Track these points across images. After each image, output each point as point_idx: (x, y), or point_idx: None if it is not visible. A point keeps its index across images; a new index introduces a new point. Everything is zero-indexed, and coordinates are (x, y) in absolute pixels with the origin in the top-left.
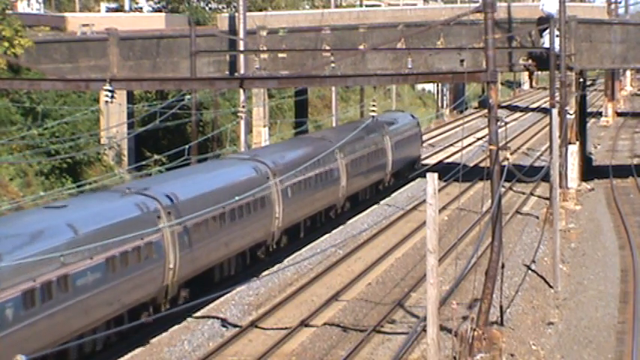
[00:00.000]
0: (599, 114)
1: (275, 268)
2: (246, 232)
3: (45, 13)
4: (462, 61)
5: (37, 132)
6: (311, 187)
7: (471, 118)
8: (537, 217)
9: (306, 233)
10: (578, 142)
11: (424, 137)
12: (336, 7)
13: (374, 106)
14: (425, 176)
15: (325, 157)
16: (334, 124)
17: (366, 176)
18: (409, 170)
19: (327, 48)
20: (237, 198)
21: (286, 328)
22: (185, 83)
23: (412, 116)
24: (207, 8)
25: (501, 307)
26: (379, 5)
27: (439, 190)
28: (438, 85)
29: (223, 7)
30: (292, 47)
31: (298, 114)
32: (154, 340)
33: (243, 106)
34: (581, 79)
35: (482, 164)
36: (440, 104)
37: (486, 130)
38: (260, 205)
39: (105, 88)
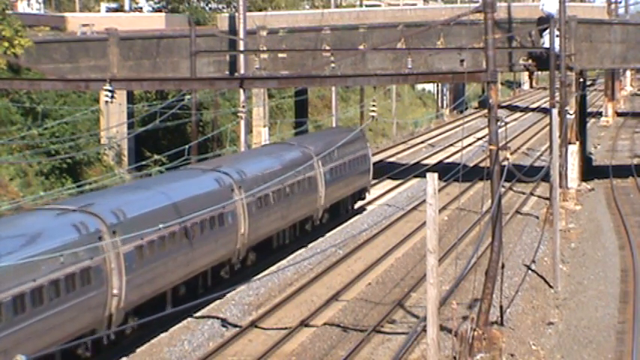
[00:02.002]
0: (599, 114)
1: (275, 268)
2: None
3: (45, 13)
4: (462, 61)
5: (37, 132)
6: (180, 244)
7: (471, 118)
8: (537, 217)
9: (175, 304)
10: (578, 142)
11: (424, 137)
12: (336, 7)
13: (374, 106)
14: (425, 176)
15: (215, 198)
16: (334, 125)
17: (282, 216)
18: (354, 202)
19: (327, 48)
20: None
21: (286, 328)
22: (185, 83)
23: (358, 134)
24: (207, 8)
25: (501, 307)
26: (379, 5)
27: (439, 190)
28: (438, 85)
29: (223, 7)
30: (292, 47)
31: (298, 114)
32: (154, 340)
33: (243, 106)
34: (581, 79)
35: (482, 164)
36: (440, 104)
37: (486, 130)
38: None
39: (105, 88)
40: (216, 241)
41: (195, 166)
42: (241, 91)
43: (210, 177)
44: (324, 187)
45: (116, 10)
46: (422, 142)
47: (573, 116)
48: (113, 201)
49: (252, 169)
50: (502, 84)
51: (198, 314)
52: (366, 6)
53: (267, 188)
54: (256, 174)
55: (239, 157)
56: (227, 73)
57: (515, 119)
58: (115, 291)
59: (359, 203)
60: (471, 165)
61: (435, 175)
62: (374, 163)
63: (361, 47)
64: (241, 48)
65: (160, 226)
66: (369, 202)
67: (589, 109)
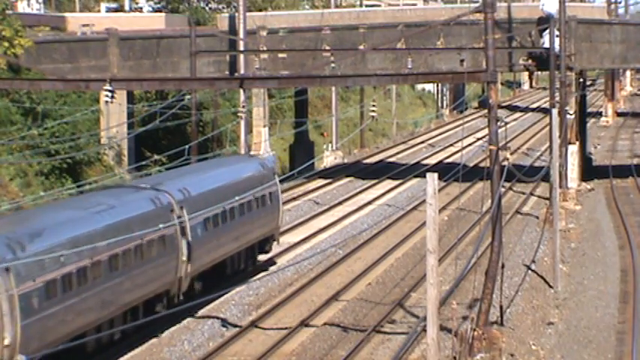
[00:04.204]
0: (599, 114)
1: (275, 268)
2: None
3: (45, 13)
4: (462, 61)
5: (37, 132)
6: None
7: (470, 118)
8: (537, 217)
9: None
10: (578, 142)
11: (424, 137)
12: (336, 7)
13: (374, 106)
14: (425, 176)
15: None
16: (334, 125)
17: (103, 302)
18: (253, 257)
19: (327, 48)
20: None
21: (286, 328)
22: (185, 83)
23: (262, 165)
24: (207, 8)
25: (501, 307)
26: (379, 5)
27: (439, 190)
28: (438, 85)
29: (223, 7)
30: (292, 47)
31: (298, 114)
32: (154, 340)
33: (243, 106)
34: (581, 79)
35: (482, 164)
36: (440, 104)
37: (486, 130)
38: None
39: (105, 88)
40: None
41: None
42: (241, 91)
43: None
44: (192, 246)
45: (116, 10)
46: (422, 142)
47: (573, 116)
48: None
49: (39, 239)
50: (502, 84)
51: (198, 314)
52: (366, 6)
53: (68, 263)
54: (47, 245)
55: (25, 217)
56: (227, 73)
57: (515, 119)
58: None
59: (268, 254)
60: (471, 165)
61: (435, 175)
62: (373, 164)
63: (361, 47)
64: (241, 48)
65: None
66: (370, 202)
67: (589, 109)
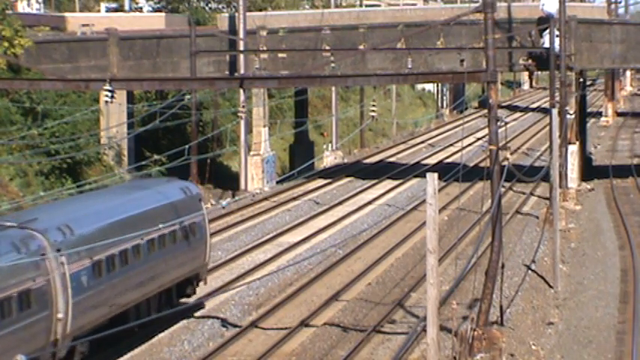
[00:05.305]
0: (599, 114)
1: (275, 267)
2: None
3: (45, 13)
4: (462, 61)
5: (37, 132)
6: None
7: (470, 118)
8: (537, 217)
9: None
10: (578, 142)
11: (424, 137)
12: (336, 7)
13: (374, 106)
14: (425, 176)
15: None
16: (334, 125)
17: None
18: (166, 304)
19: (327, 48)
20: None
21: (286, 328)
22: (185, 83)
23: (184, 190)
24: (207, 8)
25: (501, 307)
26: (379, 5)
27: (439, 190)
28: (438, 85)
29: (223, 7)
30: (292, 47)
31: (298, 114)
32: (154, 340)
33: (243, 106)
34: (581, 79)
35: (482, 164)
36: (440, 104)
37: (486, 130)
38: None
39: (105, 88)
40: None
41: None
42: (241, 91)
43: None
44: (73, 299)
45: (116, 10)
46: (422, 142)
47: (573, 116)
48: None
49: None
50: (502, 84)
51: (198, 314)
52: (366, 6)
53: None
54: None
55: None
56: (227, 73)
57: (515, 119)
58: None
59: (191, 297)
60: (471, 165)
61: (435, 175)
62: (373, 164)
63: (361, 47)
64: (241, 48)
65: None
66: (370, 202)
67: (589, 109)
